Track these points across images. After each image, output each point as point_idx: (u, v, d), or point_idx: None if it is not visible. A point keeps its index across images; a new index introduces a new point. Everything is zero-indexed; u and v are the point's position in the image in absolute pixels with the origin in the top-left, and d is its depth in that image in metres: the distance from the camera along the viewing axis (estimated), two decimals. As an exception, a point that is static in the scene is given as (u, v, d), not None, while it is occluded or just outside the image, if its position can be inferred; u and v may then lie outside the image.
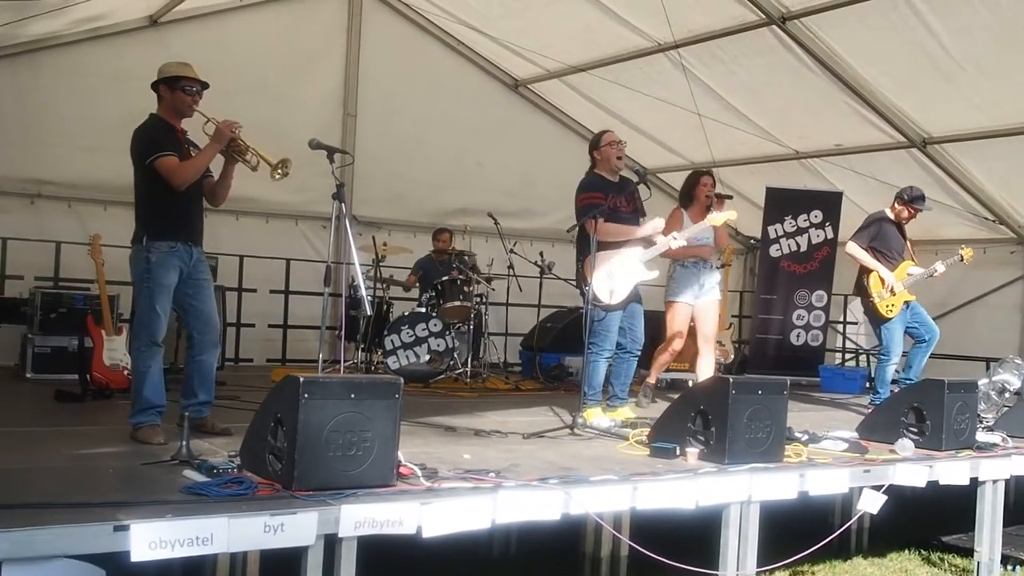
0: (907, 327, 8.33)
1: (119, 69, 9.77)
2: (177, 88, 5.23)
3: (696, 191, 7.43)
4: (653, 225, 6.70)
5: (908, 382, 8.29)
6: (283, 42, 10.76)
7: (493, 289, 10.13)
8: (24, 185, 9.64)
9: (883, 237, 8.29)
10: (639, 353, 6.94)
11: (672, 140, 11.74)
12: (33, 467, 4.31)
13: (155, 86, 5.32)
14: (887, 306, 8.18)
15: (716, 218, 6.93)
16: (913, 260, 8.39)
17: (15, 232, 9.44)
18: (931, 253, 11.40)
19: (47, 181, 9.73)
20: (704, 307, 7.45)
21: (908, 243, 8.45)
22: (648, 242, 6.75)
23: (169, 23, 10.18)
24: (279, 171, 5.23)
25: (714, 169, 10.97)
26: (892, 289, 8.13)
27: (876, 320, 8.29)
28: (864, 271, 8.28)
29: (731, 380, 5.05)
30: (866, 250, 8.26)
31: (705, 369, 7.51)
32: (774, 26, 8.98)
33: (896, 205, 8.34)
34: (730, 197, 7.91)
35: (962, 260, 8.38)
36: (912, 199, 8.27)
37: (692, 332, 7.59)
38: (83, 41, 9.84)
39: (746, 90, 10.28)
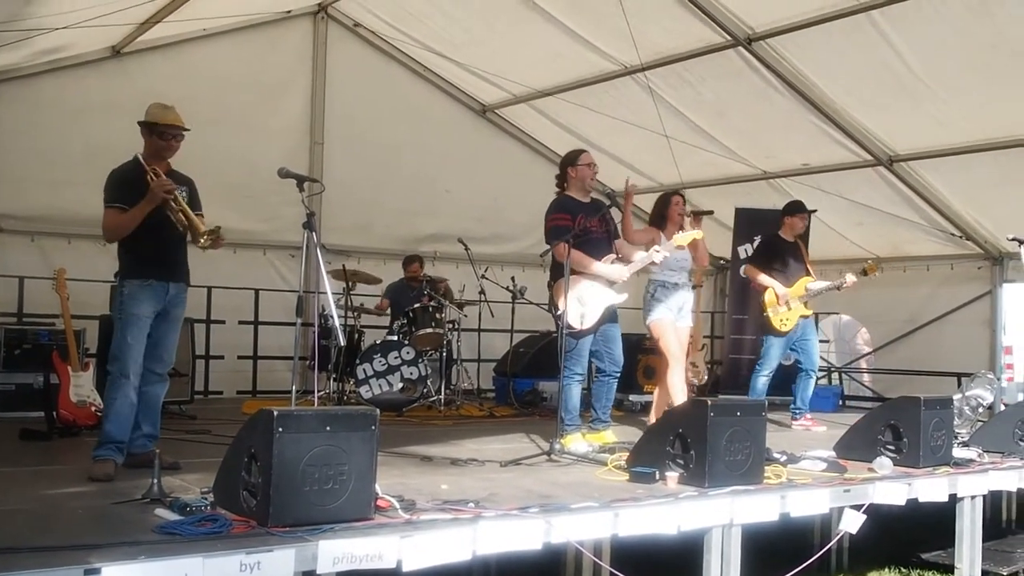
0: (792, 345, 8.62)
1: (81, 101, 9.71)
2: (155, 133, 5.35)
3: (668, 211, 7.43)
4: (617, 270, 6.66)
5: (799, 412, 8.65)
6: (248, 71, 10.70)
7: (465, 315, 10.08)
8: (-15, 219, 9.47)
9: (777, 256, 8.62)
10: (618, 375, 6.90)
11: (641, 162, 11.75)
12: None
13: (140, 126, 5.43)
14: (781, 320, 8.45)
15: (682, 237, 6.93)
16: (811, 276, 8.64)
17: (-25, 268, 9.25)
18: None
19: (8, 215, 9.56)
20: (680, 330, 7.45)
21: (807, 261, 8.75)
22: (623, 261, 6.74)
23: (132, 53, 10.09)
24: (205, 239, 5.19)
25: (684, 190, 11.06)
26: (788, 304, 8.39)
27: (767, 331, 8.59)
28: (760, 290, 8.60)
29: (709, 403, 5.03)
30: (760, 270, 8.56)
31: (677, 389, 7.49)
32: (740, 47, 9.05)
33: (784, 222, 8.70)
34: (710, 212, 7.95)
35: (865, 274, 8.67)
36: (791, 211, 8.69)
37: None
38: (44, 73, 9.72)
39: (713, 111, 10.34)
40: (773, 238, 8.82)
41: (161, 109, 5.37)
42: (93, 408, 7.01)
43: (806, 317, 8.58)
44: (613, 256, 6.77)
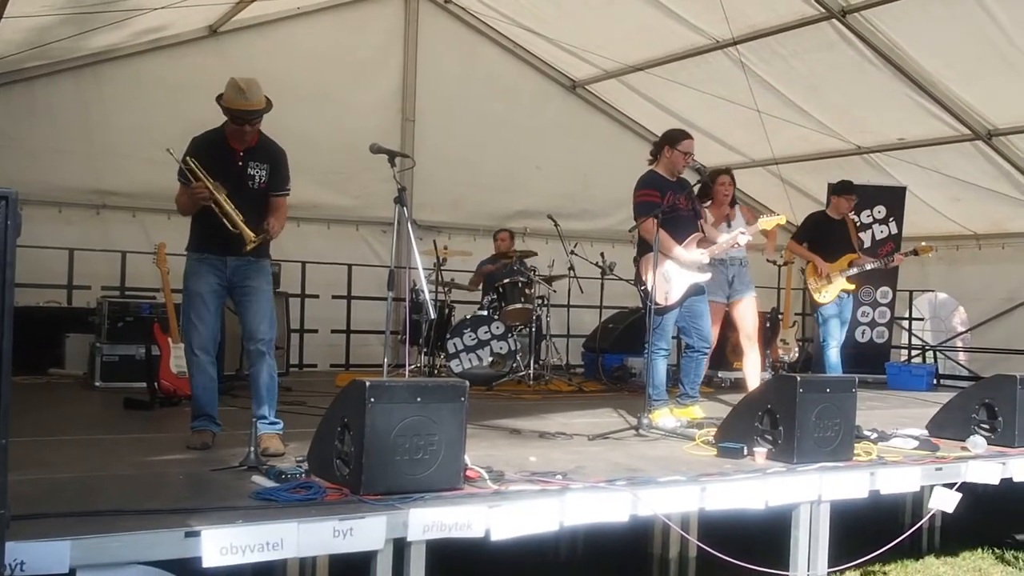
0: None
1: (179, 80, 9.93)
2: (228, 115, 5.15)
3: (714, 189, 7.51)
4: (695, 257, 6.61)
5: None
6: (341, 48, 10.84)
7: (554, 291, 10.12)
8: (89, 196, 9.81)
9: (818, 232, 8.62)
10: (708, 351, 6.88)
11: (732, 138, 11.61)
12: (104, 475, 4.35)
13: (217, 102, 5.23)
14: (821, 293, 8.46)
15: (767, 222, 6.86)
16: (857, 254, 8.61)
17: (81, 243, 9.59)
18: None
19: (111, 192, 9.90)
20: (741, 306, 7.46)
21: (854, 240, 8.70)
22: (705, 242, 6.70)
23: (228, 32, 10.30)
24: (249, 245, 5.03)
25: (776, 166, 10.90)
26: (828, 277, 8.39)
27: (813, 306, 8.68)
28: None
29: (798, 379, 4.99)
30: (802, 245, 8.63)
31: (752, 368, 7.49)
32: (834, 20, 8.82)
33: (831, 200, 8.77)
34: (727, 171, 7.94)
35: (915, 254, 8.74)
36: (839, 191, 8.65)
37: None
38: (144, 52, 9.99)
39: (806, 85, 10.12)
40: (817, 215, 8.88)
41: (235, 91, 5.01)
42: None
43: (848, 292, 8.54)
44: (699, 235, 6.73)
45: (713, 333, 7.24)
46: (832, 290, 8.43)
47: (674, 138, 6.75)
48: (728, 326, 8.26)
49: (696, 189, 6.97)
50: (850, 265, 8.45)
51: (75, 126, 9.73)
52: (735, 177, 7.91)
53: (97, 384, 8.16)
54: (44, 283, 9.22)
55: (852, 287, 8.57)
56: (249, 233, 4.99)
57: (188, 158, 5.13)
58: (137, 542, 3.13)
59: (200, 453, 4.90)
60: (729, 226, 7.41)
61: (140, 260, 9.39)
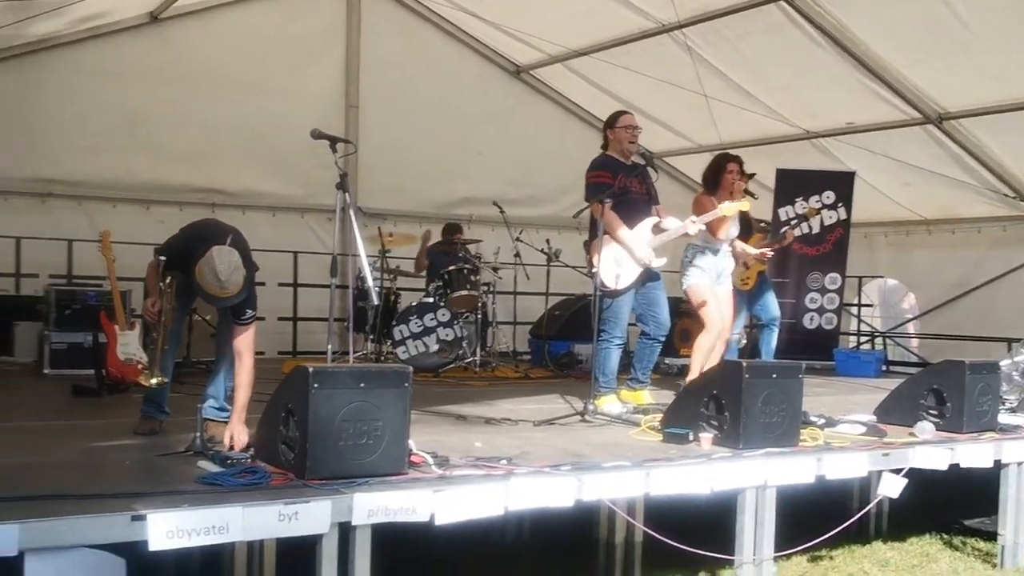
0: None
1: (120, 67, 9.84)
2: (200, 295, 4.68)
3: (722, 177, 7.24)
4: (640, 246, 6.52)
5: None
6: (284, 35, 10.73)
7: (500, 278, 10.11)
8: (34, 185, 9.70)
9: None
10: (663, 339, 6.83)
11: (678, 123, 11.64)
12: (51, 460, 4.35)
13: None
14: (742, 279, 8.44)
15: (727, 208, 6.71)
16: (761, 234, 8.72)
17: (28, 231, 9.52)
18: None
19: (56, 180, 9.79)
20: (720, 297, 7.38)
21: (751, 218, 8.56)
22: (658, 228, 6.67)
23: (169, 19, 10.16)
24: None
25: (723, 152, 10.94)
26: (746, 264, 8.36)
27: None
28: None
29: (744, 364, 5.02)
30: None
31: (716, 357, 7.46)
32: (782, 1, 8.80)
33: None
34: (753, 175, 7.88)
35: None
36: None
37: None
38: (84, 40, 9.83)
39: (753, 69, 10.11)
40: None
41: (212, 278, 4.42)
42: (139, 366, 7.13)
43: (762, 272, 8.62)
44: (654, 220, 6.68)
45: (732, 319, 7.33)
46: (752, 275, 8.52)
47: (612, 119, 6.78)
48: (676, 313, 8.27)
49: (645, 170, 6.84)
50: (756, 246, 8.40)
51: (17, 115, 9.58)
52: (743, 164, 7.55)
53: (46, 371, 8.14)
54: None
55: (764, 267, 8.64)
56: (154, 374, 4.86)
57: (169, 279, 4.80)
58: (84, 525, 3.15)
59: (147, 439, 4.90)
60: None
61: (86, 248, 9.28)
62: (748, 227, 8.44)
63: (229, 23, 10.43)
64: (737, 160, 7.40)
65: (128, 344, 7.45)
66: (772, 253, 8.30)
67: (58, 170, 9.75)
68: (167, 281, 4.75)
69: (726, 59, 10.05)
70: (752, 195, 7.70)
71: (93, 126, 9.80)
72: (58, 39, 9.67)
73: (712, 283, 7.11)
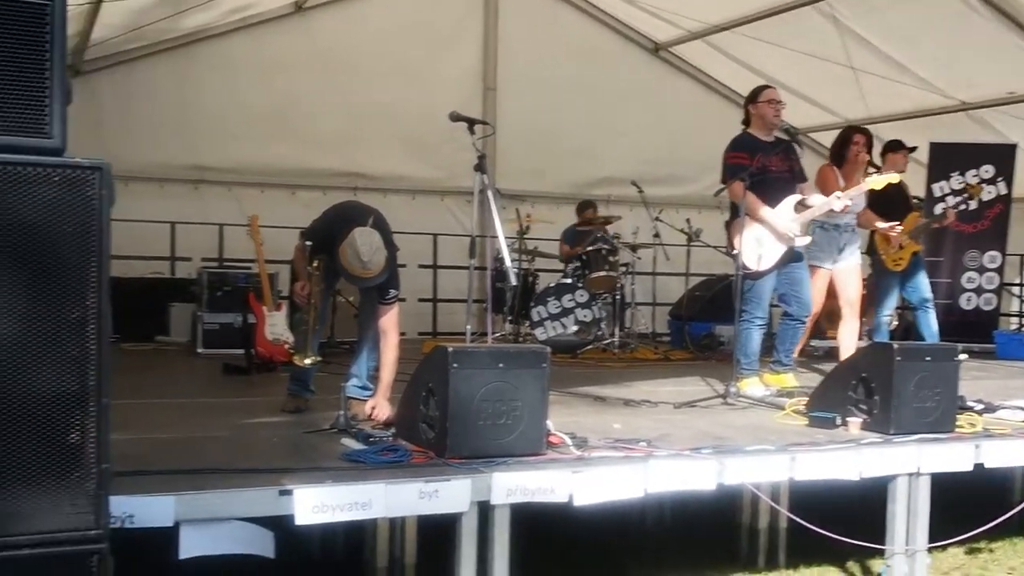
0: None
1: (267, 57, 10.20)
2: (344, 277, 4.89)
3: (847, 150, 7.11)
4: (784, 222, 6.33)
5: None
6: (423, 20, 10.84)
7: (639, 258, 10.00)
8: (188, 172, 10.18)
9: (881, 195, 7.88)
10: (806, 320, 6.68)
11: (823, 97, 11.25)
12: (204, 436, 4.52)
13: None
14: (894, 260, 8.15)
15: (876, 181, 6.46)
16: (916, 212, 8.38)
17: (182, 216, 10.00)
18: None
19: (208, 167, 10.24)
20: (845, 271, 7.12)
21: (909, 197, 8.46)
22: (802, 205, 6.47)
23: (313, 8, 10.44)
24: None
25: (872, 126, 10.51)
26: (900, 243, 8.07)
27: (881, 273, 8.39)
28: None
29: (895, 346, 4.84)
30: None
31: (848, 336, 7.22)
32: (934, -36, 8.43)
33: (887, 159, 8.23)
34: (914, 148, 7.59)
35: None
36: (893, 147, 8.29)
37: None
38: (233, 31, 10.22)
39: (904, 38, 9.67)
40: None
41: (355, 258, 4.52)
42: (286, 346, 7.40)
43: (916, 253, 8.27)
44: (797, 197, 6.47)
45: (820, 300, 7.09)
46: (905, 255, 8.17)
47: (754, 95, 6.57)
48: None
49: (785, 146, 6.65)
50: (914, 225, 8.15)
51: (172, 105, 10.03)
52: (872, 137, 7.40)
53: (199, 351, 8.50)
54: (149, 255, 9.68)
55: (919, 248, 8.34)
56: (307, 355, 4.95)
57: (316, 262, 4.89)
58: (235, 499, 3.28)
59: (294, 416, 5.04)
60: None
61: (236, 232, 9.68)
62: (905, 205, 8.20)
63: (370, 10, 10.63)
64: (864, 132, 7.25)
65: (275, 324, 7.77)
66: (896, 233, 7.90)
67: (209, 157, 10.19)
68: (315, 264, 4.85)
69: (875, 29, 9.64)
70: (876, 167, 7.47)
71: (242, 114, 10.18)
72: (209, 31, 10.08)
73: (833, 261, 7.00)
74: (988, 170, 10.80)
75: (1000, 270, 10.99)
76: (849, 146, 7.10)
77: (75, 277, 2.65)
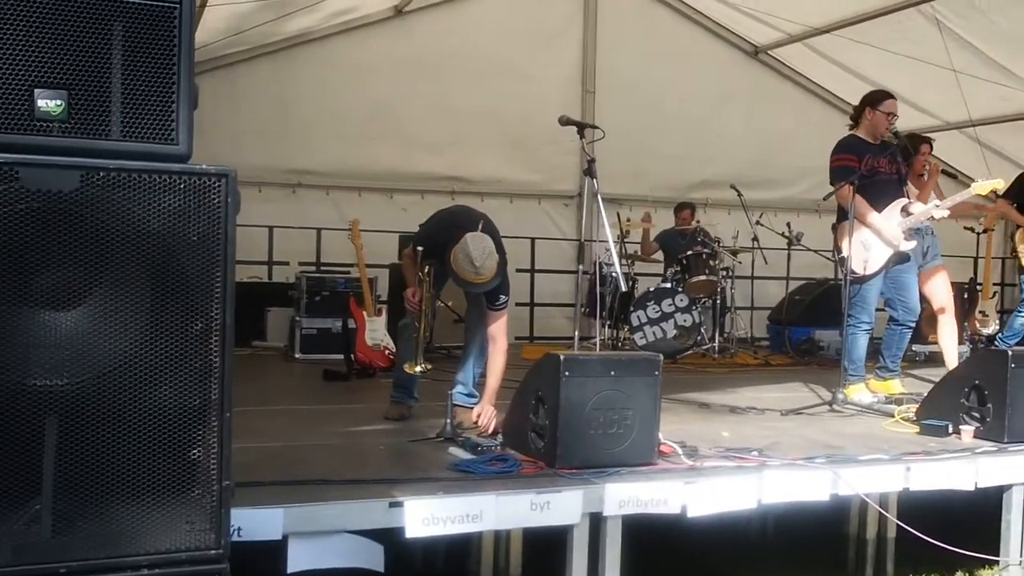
0: None
1: (367, 60, 10.23)
2: (455, 281, 4.92)
3: (913, 160, 7.08)
4: (891, 228, 6.25)
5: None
6: (522, 23, 10.83)
7: (739, 262, 9.91)
8: (286, 175, 10.23)
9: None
10: (912, 324, 6.58)
11: (923, 100, 10.97)
12: (309, 444, 4.51)
13: None
14: None
15: (982, 186, 6.38)
16: None
17: (279, 220, 10.04)
18: None
19: (306, 171, 10.29)
20: (934, 277, 6.95)
21: None
22: (905, 211, 6.37)
23: (413, 11, 10.49)
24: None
25: (973, 129, 10.24)
26: None
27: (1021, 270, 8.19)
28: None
29: (1011, 353, 4.74)
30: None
31: (949, 340, 7.03)
32: (1043, -36, 8.19)
33: None
34: (929, 140, 7.54)
35: None
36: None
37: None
38: (334, 35, 10.30)
39: (1009, 41, 9.40)
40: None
41: (467, 263, 4.57)
42: (387, 351, 7.47)
43: None
44: (904, 201, 6.41)
45: (949, 297, 6.99)
46: None
47: (876, 99, 6.49)
48: (924, 298, 7.88)
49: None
50: None
51: (272, 109, 10.12)
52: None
53: (297, 356, 8.48)
54: (247, 259, 9.65)
55: None
56: (418, 362, 4.88)
57: (426, 267, 4.89)
58: (345, 511, 3.24)
59: (397, 424, 5.03)
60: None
61: (334, 236, 9.76)
62: None
63: (469, 13, 10.64)
64: (928, 142, 7.37)
65: (376, 330, 7.73)
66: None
67: (307, 161, 10.22)
68: (425, 270, 4.85)
69: (979, 32, 9.39)
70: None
71: (340, 118, 10.25)
72: (310, 35, 10.15)
73: (918, 265, 6.81)
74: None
75: None
76: (917, 155, 7.11)
77: (200, 288, 2.54)
